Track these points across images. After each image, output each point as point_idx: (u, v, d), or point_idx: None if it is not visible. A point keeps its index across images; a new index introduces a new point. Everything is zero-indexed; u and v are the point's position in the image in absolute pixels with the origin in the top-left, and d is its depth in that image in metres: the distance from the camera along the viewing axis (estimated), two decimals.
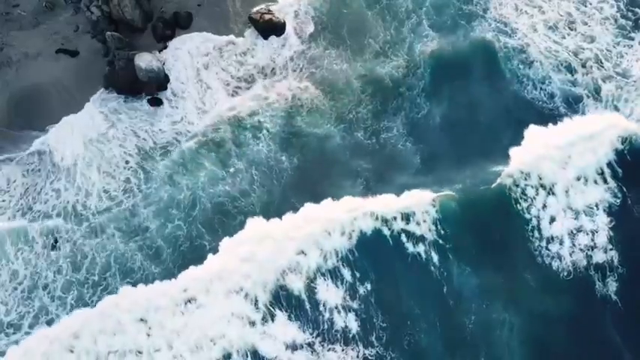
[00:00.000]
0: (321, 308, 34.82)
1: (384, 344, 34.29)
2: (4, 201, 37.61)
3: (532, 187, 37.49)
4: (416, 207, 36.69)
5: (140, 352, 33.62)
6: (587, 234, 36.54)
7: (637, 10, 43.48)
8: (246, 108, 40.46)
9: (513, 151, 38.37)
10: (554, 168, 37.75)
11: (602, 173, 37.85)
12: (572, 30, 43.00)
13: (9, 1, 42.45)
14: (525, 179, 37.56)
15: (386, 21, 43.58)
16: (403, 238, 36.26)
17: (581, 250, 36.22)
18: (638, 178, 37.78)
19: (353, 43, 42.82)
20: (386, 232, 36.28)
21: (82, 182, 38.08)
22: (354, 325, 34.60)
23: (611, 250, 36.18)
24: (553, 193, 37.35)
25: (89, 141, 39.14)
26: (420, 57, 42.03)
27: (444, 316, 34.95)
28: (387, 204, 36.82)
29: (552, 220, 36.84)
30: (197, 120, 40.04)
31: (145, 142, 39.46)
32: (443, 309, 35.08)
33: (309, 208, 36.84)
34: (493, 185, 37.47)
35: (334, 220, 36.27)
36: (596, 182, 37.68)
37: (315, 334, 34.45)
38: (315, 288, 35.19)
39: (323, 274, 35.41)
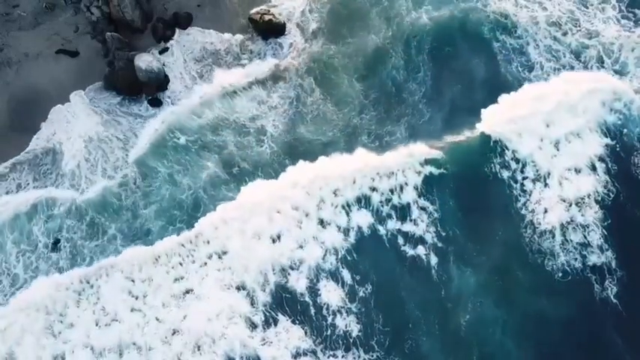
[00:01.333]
0: (320, 307, 35.06)
1: (385, 347, 34.49)
2: None
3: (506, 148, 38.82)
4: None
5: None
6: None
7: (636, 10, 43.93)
8: (246, 111, 40.53)
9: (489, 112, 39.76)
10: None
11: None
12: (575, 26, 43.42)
13: (9, 2, 42.25)
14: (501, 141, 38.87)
15: (389, 19, 43.71)
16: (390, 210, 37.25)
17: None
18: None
19: (354, 43, 42.89)
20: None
21: (84, 183, 38.24)
22: (354, 328, 34.76)
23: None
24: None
25: (83, 133, 39.41)
26: (420, 57, 42.40)
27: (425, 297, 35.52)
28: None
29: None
30: (197, 122, 40.08)
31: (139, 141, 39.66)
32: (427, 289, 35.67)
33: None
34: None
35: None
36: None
37: (316, 340, 34.45)
38: (314, 283, 35.58)
39: (325, 272, 35.79)
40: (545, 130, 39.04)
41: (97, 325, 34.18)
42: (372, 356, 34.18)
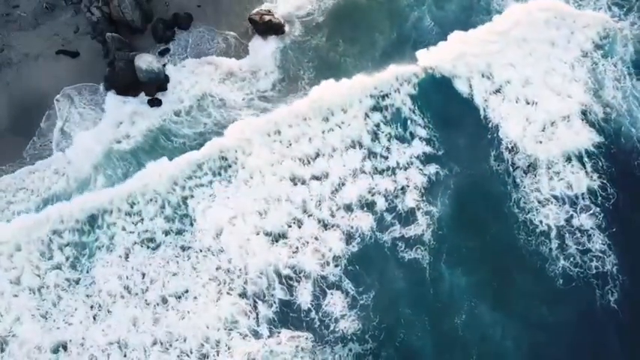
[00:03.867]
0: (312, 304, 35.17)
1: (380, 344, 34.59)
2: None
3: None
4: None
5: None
6: None
7: None
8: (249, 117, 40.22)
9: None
10: None
11: None
12: None
13: (9, 2, 42.48)
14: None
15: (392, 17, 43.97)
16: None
17: None
18: None
19: (357, 42, 42.85)
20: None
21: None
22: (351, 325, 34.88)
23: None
24: None
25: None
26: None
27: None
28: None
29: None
30: (195, 126, 40.18)
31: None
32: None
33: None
34: None
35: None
36: None
37: (309, 335, 34.57)
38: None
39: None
40: None
41: (94, 319, 34.65)
42: (366, 347, 34.28)
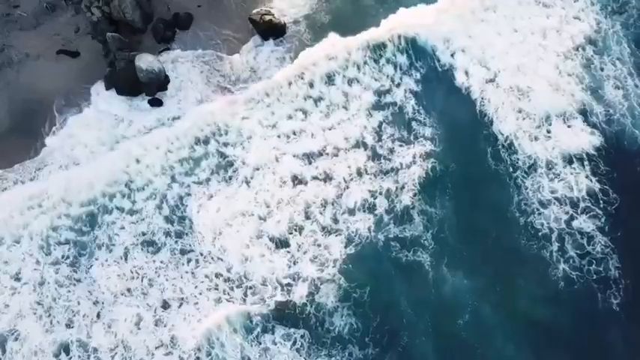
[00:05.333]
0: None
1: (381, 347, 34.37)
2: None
3: None
4: None
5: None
6: None
7: None
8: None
9: None
10: None
11: None
12: None
13: (10, 2, 42.54)
14: None
15: None
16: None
17: None
18: None
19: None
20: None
21: None
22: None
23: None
24: None
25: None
26: None
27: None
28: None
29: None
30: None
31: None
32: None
33: None
34: None
35: None
36: None
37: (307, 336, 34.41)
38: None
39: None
40: None
41: (98, 316, 34.55)
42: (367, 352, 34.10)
